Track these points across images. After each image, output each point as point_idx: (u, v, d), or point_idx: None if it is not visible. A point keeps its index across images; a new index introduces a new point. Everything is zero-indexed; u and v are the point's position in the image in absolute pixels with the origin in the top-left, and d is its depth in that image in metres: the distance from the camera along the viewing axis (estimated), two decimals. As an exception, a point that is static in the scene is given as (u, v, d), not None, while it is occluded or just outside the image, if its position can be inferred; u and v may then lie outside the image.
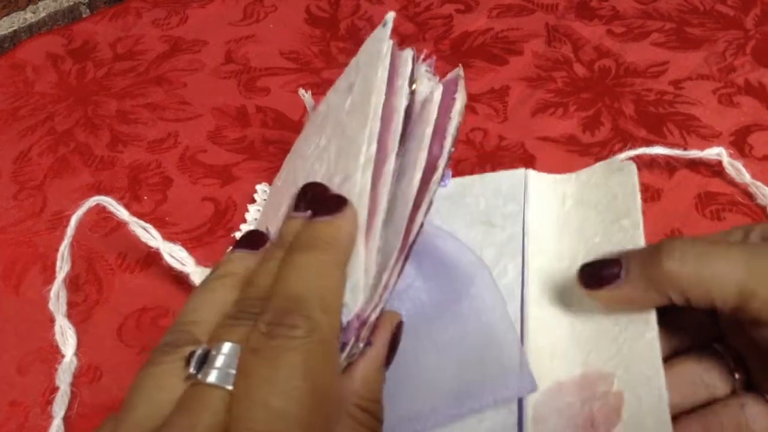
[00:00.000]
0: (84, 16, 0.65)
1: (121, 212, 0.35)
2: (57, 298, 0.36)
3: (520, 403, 0.29)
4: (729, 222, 0.40)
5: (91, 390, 0.34)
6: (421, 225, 0.25)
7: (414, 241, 0.25)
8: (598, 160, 0.44)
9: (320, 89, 0.45)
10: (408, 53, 0.29)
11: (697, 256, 0.26)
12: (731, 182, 0.42)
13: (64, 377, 0.34)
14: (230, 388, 0.19)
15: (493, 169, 0.44)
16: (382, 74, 0.27)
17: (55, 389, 0.34)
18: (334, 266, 0.22)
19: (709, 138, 0.46)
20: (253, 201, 0.43)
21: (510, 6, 0.59)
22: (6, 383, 0.35)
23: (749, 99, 0.48)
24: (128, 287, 0.39)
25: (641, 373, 0.28)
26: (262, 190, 0.43)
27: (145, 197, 0.44)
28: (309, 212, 0.24)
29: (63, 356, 0.35)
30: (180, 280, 0.38)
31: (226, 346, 0.20)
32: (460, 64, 0.29)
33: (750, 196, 0.41)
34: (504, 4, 0.60)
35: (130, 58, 0.56)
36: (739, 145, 0.45)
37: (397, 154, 0.26)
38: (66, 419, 0.33)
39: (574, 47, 0.54)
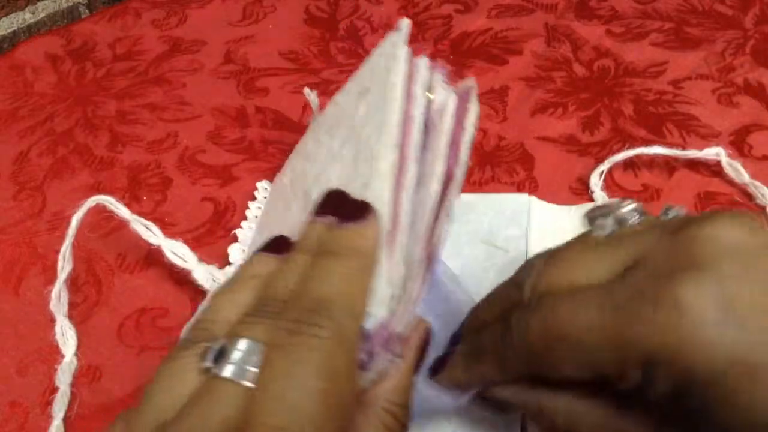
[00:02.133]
0: (83, 16, 0.65)
1: (122, 211, 0.36)
2: (58, 299, 0.36)
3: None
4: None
5: (90, 390, 0.34)
6: (441, 237, 0.25)
7: (436, 253, 0.24)
8: (597, 159, 0.44)
9: (320, 89, 0.45)
10: (423, 61, 0.28)
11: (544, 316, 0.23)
12: (731, 182, 0.42)
13: (63, 378, 0.34)
14: (245, 383, 0.19)
15: (493, 169, 0.44)
16: (400, 81, 0.27)
17: (54, 390, 0.34)
18: (359, 273, 0.22)
19: (709, 138, 0.46)
20: (254, 199, 0.43)
21: (509, 6, 0.59)
22: (5, 384, 0.35)
23: (748, 99, 0.48)
24: (128, 288, 0.39)
25: None
26: (263, 187, 0.43)
27: (145, 197, 0.44)
28: (332, 218, 0.24)
29: (63, 357, 0.35)
30: (180, 280, 0.38)
31: (243, 342, 0.20)
32: (473, 78, 0.29)
33: (749, 196, 0.41)
34: (503, 4, 0.60)
35: (130, 59, 0.56)
36: (739, 144, 0.45)
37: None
38: (66, 420, 0.33)
39: (574, 47, 0.54)
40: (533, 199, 0.39)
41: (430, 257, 0.24)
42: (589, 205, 0.39)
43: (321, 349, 0.19)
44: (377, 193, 0.24)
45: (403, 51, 0.28)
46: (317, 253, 0.22)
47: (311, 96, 0.41)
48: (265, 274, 0.23)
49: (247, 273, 0.24)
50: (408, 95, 0.27)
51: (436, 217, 0.25)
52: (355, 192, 0.25)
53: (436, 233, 0.25)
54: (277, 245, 0.25)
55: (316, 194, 0.30)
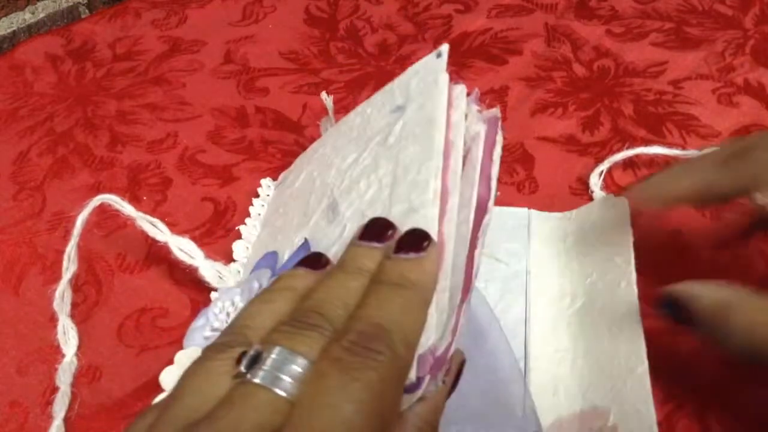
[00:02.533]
0: (83, 16, 0.65)
1: (127, 208, 0.36)
2: (62, 299, 0.36)
3: None
4: (729, 222, 0.40)
5: (90, 390, 0.34)
6: (478, 267, 0.25)
7: (473, 283, 0.25)
8: (597, 159, 0.44)
9: (320, 89, 0.45)
10: (461, 88, 0.29)
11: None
12: (730, 182, 0.42)
13: (64, 377, 0.34)
14: (279, 391, 0.19)
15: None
16: (443, 107, 0.28)
17: (55, 390, 0.34)
18: (418, 306, 0.22)
19: (709, 138, 0.46)
20: (257, 196, 0.43)
21: (509, 6, 0.59)
22: (6, 384, 0.35)
23: (748, 99, 0.48)
24: (128, 288, 0.39)
25: (633, 407, 0.29)
26: (266, 185, 0.43)
27: (145, 197, 0.44)
28: (375, 243, 0.24)
29: (63, 356, 0.35)
30: (180, 280, 0.38)
31: (278, 350, 0.20)
32: (498, 105, 0.30)
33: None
34: (503, 4, 0.60)
35: (130, 59, 0.56)
36: (739, 144, 0.45)
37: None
38: (66, 420, 0.33)
39: (574, 47, 0.54)
40: (532, 212, 0.40)
41: (468, 286, 0.24)
42: (587, 208, 0.39)
43: (378, 371, 0.19)
44: (426, 220, 0.24)
45: (444, 78, 0.29)
46: (376, 280, 0.23)
47: (328, 101, 0.41)
48: (301, 287, 0.24)
49: (283, 284, 0.24)
50: (448, 122, 0.27)
51: (474, 246, 0.25)
52: (396, 214, 0.26)
53: (475, 262, 0.25)
54: (315, 261, 0.25)
55: (347, 207, 0.30)
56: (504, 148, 0.45)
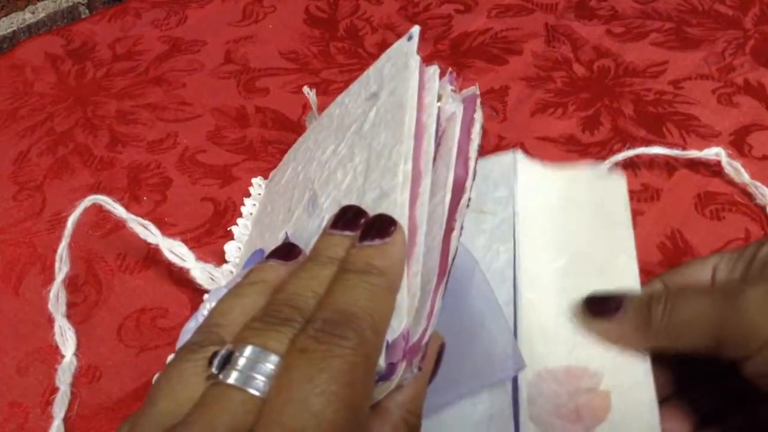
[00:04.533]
0: (83, 16, 0.65)
1: (119, 210, 0.35)
2: (56, 299, 0.36)
3: (515, 384, 0.30)
4: (728, 222, 0.40)
5: (90, 390, 0.34)
6: (456, 249, 0.25)
7: (452, 265, 0.24)
8: (597, 160, 0.44)
9: (320, 89, 0.45)
10: (434, 69, 0.29)
11: (672, 307, 0.29)
12: (730, 182, 0.42)
13: (64, 378, 0.34)
14: (251, 391, 0.19)
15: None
16: (414, 91, 0.27)
17: (54, 390, 0.34)
18: (385, 291, 0.22)
19: (709, 138, 0.46)
20: (249, 195, 0.43)
21: (509, 6, 0.59)
22: (6, 384, 0.35)
23: (748, 99, 0.48)
24: (127, 288, 0.39)
25: (631, 379, 0.29)
26: (257, 183, 0.43)
27: (145, 197, 0.44)
28: (350, 232, 0.24)
29: (63, 357, 0.35)
30: (179, 281, 0.38)
31: (249, 349, 0.20)
32: (476, 84, 0.29)
33: (749, 195, 0.41)
34: (503, 4, 0.60)
35: (130, 59, 0.56)
36: (739, 144, 0.45)
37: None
38: (66, 420, 0.33)
39: (574, 47, 0.54)
40: (519, 156, 0.38)
41: (444, 269, 0.24)
42: (576, 167, 0.38)
43: (345, 358, 0.19)
44: (395, 205, 0.24)
45: (415, 60, 0.29)
46: (342, 268, 0.23)
47: (311, 95, 0.41)
48: (273, 279, 0.23)
49: (254, 277, 0.24)
50: (419, 104, 0.27)
51: (451, 229, 0.25)
52: (369, 201, 0.25)
53: (452, 245, 0.25)
54: (286, 252, 0.25)
55: (325, 199, 0.30)
56: (504, 148, 0.46)
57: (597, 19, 0.57)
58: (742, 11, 0.57)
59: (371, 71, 0.33)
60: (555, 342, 0.31)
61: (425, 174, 0.25)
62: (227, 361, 0.20)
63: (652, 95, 0.49)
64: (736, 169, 0.41)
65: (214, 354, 0.20)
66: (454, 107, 0.28)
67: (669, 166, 0.43)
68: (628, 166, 0.44)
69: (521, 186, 0.37)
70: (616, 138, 0.46)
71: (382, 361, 0.21)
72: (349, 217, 0.24)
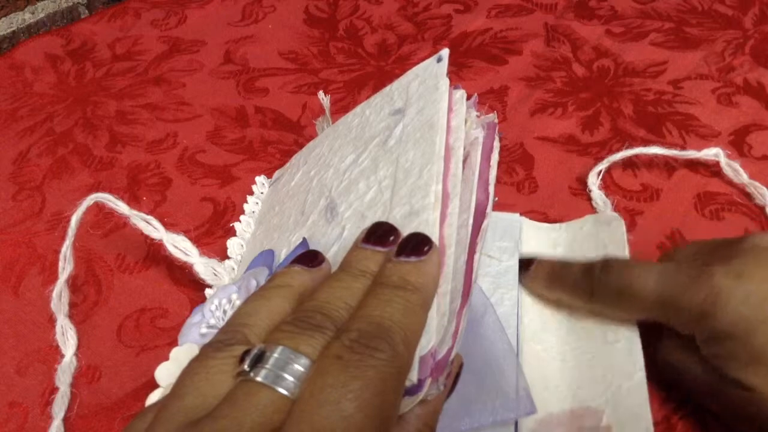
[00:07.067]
0: (82, 16, 0.65)
1: (121, 207, 0.35)
2: (59, 299, 0.36)
3: (516, 427, 0.30)
4: (728, 222, 0.40)
5: (90, 390, 0.34)
6: (477, 270, 0.25)
7: (472, 287, 0.25)
8: (597, 159, 0.44)
9: (319, 89, 0.45)
10: (461, 93, 0.29)
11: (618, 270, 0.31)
12: (730, 182, 0.42)
13: (63, 378, 0.34)
14: (281, 390, 0.19)
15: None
16: (444, 112, 0.28)
17: (54, 390, 0.34)
18: (418, 308, 0.23)
19: (708, 138, 0.46)
20: (250, 194, 0.43)
21: (509, 6, 0.59)
22: (5, 384, 0.35)
23: (748, 99, 0.48)
24: (127, 288, 0.39)
25: (629, 410, 0.30)
26: (261, 182, 0.43)
27: (144, 198, 0.44)
28: (381, 248, 0.25)
29: (62, 357, 0.35)
30: (179, 281, 0.38)
31: (281, 350, 0.20)
32: (495, 111, 0.30)
33: (748, 196, 0.41)
34: (503, 4, 0.60)
35: (129, 59, 0.56)
36: (738, 144, 0.45)
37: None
38: (66, 420, 0.33)
39: (573, 47, 0.54)
40: (524, 219, 0.40)
41: (468, 290, 0.25)
42: (579, 221, 0.39)
43: (378, 369, 0.20)
44: (427, 224, 0.25)
45: (445, 83, 0.29)
46: (377, 282, 0.23)
47: (325, 100, 0.41)
48: (298, 284, 0.24)
49: (280, 281, 0.24)
50: (447, 127, 0.28)
51: (473, 251, 0.25)
52: (397, 217, 0.26)
53: (474, 266, 0.25)
54: (310, 259, 0.26)
55: (346, 208, 0.30)
56: (504, 148, 0.46)
57: (597, 19, 0.57)
58: (741, 11, 0.57)
59: (395, 86, 0.33)
60: (558, 388, 0.32)
61: (453, 196, 0.26)
62: (258, 360, 0.20)
63: (651, 95, 0.49)
64: (735, 170, 0.41)
65: (246, 352, 0.21)
66: (477, 132, 0.29)
67: (669, 166, 0.44)
68: (628, 166, 0.44)
69: (525, 240, 0.38)
70: (615, 138, 0.46)
71: (413, 376, 0.22)
72: (380, 234, 0.25)
